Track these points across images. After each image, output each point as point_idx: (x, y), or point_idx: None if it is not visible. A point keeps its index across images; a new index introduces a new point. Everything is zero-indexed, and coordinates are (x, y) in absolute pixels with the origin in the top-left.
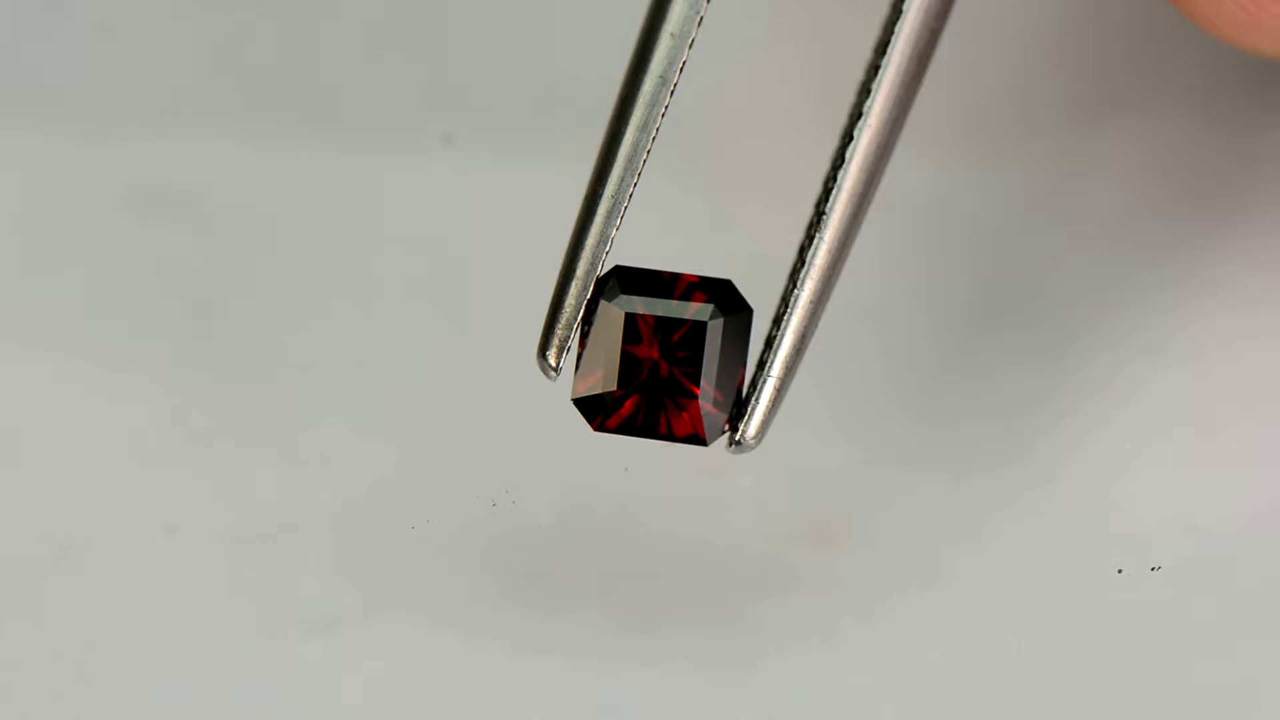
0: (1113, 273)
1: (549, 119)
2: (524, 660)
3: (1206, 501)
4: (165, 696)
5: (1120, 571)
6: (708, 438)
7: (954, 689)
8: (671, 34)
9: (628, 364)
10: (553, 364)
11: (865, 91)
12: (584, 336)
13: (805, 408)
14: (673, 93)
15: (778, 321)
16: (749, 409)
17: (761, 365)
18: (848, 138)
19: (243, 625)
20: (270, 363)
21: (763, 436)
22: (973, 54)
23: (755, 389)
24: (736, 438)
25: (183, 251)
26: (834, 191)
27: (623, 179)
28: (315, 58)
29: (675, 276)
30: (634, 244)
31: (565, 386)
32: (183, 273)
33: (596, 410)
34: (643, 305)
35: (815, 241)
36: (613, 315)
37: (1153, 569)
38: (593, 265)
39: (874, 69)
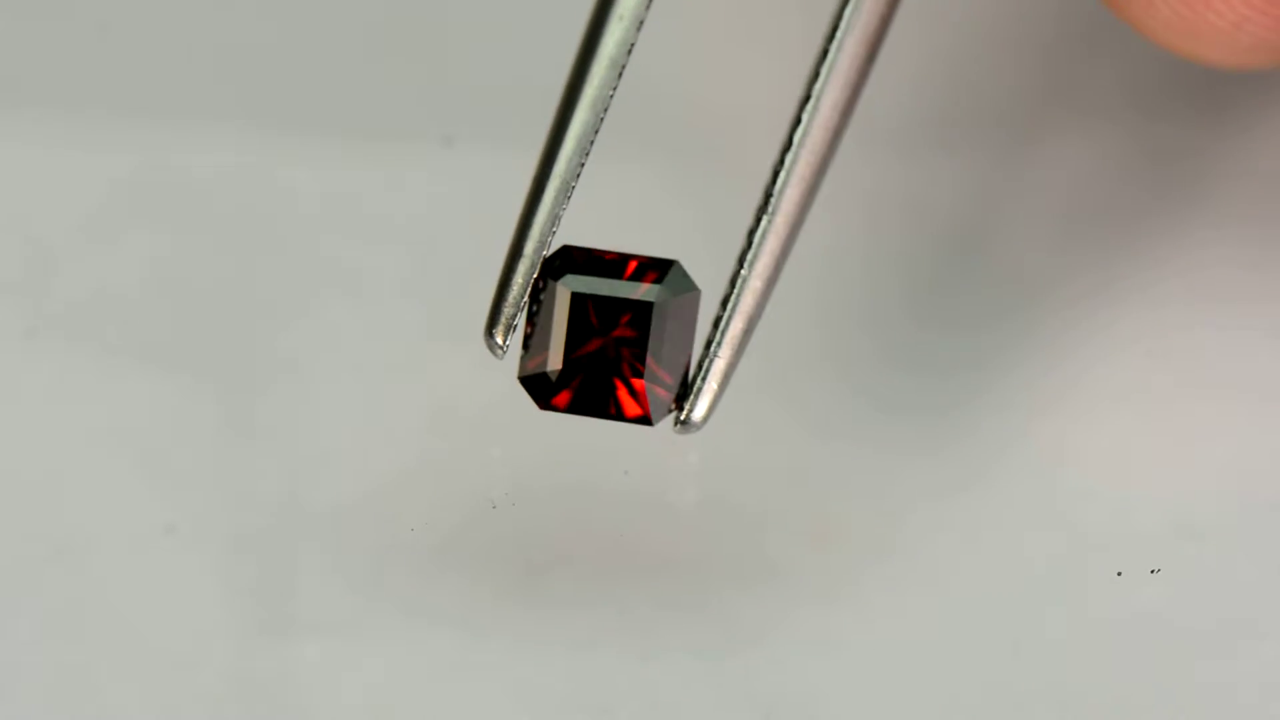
0: (1110, 273)
1: (549, 119)
2: (524, 660)
3: (1205, 501)
4: (164, 697)
5: (1120, 574)
6: (654, 418)
7: (953, 689)
8: (620, 17)
9: (574, 343)
10: (499, 342)
11: (814, 76)
12: (532, 316)
13: (804, 408)
14: (620, 75)
15: (725, 303)
16: (695, 389)
17: (709, 346)
18: (796, 122)
19: (242, 625)
20: (270, 362)
21: (709, 417)
22: (957, 53)
23: (702, 370)
24: (683, 418)
25: (182, 251)
26: (781, 175)
27: (571, 159)
28: (315, 58)
29: (623, 257)
30: (627, 241)
31: None
32: (182, 272)
33: (543, 389)
34: (590, 285)
35: (763, 225)
36: (560, 295)
37: (1152, 571)
38: (540, 244)
39: (823, 54)
